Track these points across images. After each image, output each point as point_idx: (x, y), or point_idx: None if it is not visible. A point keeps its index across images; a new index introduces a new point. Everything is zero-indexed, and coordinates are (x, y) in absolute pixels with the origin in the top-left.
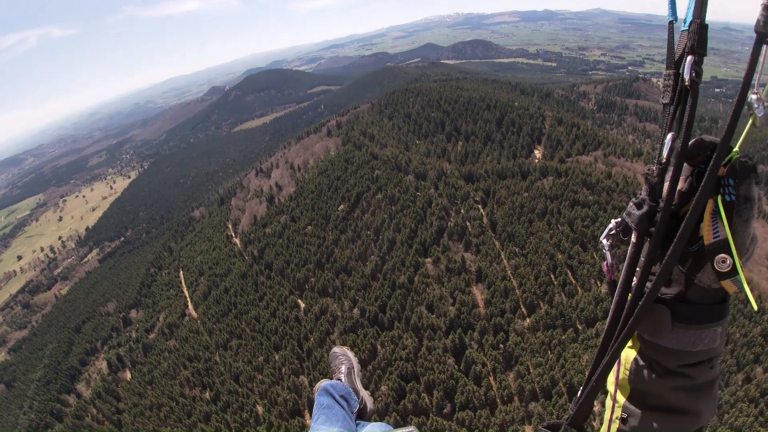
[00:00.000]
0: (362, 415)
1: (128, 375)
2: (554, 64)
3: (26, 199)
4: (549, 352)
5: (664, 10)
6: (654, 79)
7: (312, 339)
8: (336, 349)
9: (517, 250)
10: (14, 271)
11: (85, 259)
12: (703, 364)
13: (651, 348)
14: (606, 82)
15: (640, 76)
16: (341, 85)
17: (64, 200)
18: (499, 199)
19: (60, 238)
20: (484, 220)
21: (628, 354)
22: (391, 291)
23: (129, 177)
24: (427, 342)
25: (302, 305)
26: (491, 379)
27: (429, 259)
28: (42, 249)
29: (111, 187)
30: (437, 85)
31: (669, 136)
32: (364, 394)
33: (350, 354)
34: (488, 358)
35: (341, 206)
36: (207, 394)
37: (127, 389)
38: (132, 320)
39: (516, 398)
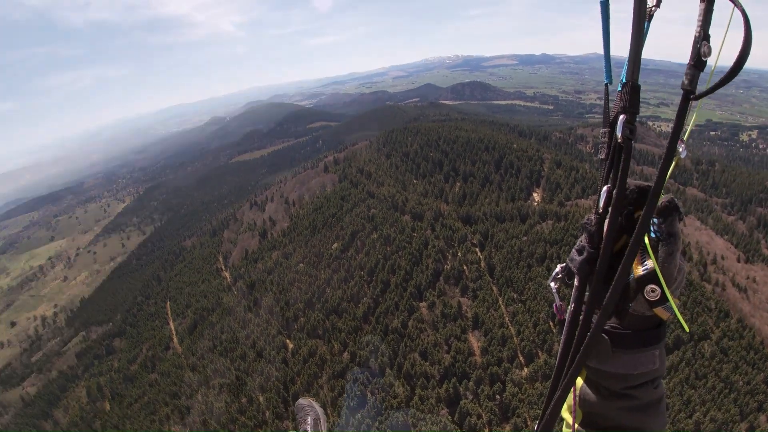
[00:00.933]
0: None
1: (107, 406)
2: (551, 107)
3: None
4: None
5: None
6: (650, 123)
7: (299, 382)
8: (301, 401)
9: (515, 296)
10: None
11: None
12: (647, 384)
13: (596, 374)
14: None
15: (637, 119)
16: (340, 121)
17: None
18: (497, 243)
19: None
20: (482, 264)
21: (576, 381)
22: (384, 335)
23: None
24: (420, 391)
25: (290, 346)
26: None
27: (424, 303)
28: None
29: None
30: (436, 125)
31: (605, 188)
32: None
33: (316, 405)
34: (484, 410)
35: (335, 244)
36: None
37: (105, 420)
38: (115, 349)
39: None
